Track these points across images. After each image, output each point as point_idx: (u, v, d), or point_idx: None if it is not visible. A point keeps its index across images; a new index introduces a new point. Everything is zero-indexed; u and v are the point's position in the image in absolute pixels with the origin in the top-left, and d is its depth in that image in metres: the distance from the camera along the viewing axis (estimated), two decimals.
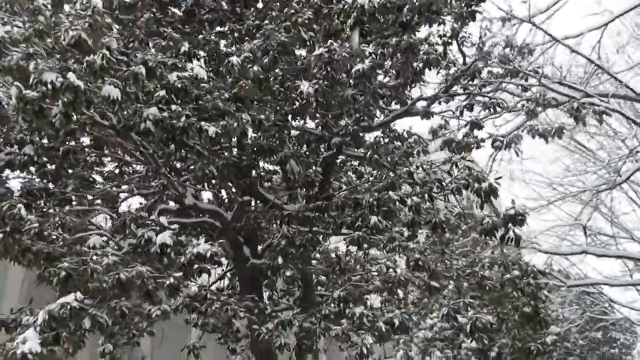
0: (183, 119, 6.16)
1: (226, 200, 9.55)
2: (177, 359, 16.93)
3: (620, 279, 11.39)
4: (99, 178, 9.19)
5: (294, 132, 7.58)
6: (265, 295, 10.89)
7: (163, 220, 6.10)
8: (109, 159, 9.41)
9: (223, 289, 11.68)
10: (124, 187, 9.24)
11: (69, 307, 5.01)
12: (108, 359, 9.47)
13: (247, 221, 8.11)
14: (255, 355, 8.90)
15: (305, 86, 5.92)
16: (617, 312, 19.43)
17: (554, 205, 14.17)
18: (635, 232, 13.82)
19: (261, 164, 11.42)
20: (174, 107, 6.40)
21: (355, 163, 11.46)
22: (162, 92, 6.35)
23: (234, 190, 8.63)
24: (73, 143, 7.57)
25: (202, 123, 6.38)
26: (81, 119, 6.33)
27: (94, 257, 5.63)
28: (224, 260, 11.15)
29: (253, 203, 9.27)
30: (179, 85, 6.04)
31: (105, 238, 6.25)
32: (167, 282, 5.39)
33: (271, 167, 11.35)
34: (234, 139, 7.36)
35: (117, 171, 9.50)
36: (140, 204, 10.11)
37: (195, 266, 5.81)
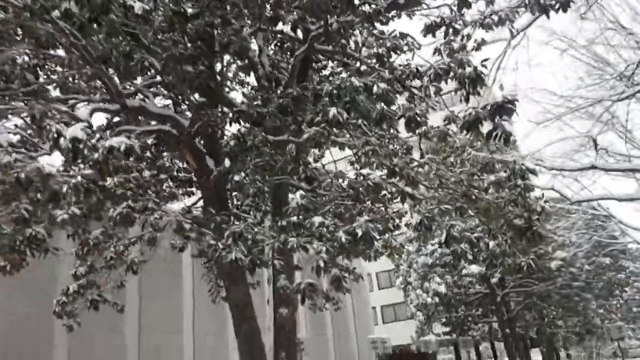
0: None
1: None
2: (166, 284, 16.68)
3: (629, 195, 10.44)
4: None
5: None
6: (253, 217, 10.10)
7: (82, 113, 5.15)
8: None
9: None
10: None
11: None
12: (84, 281, 9.00)
13: (202, 126, 7.13)
14: (220, 274, 8.21)
15: None
16: (627, 237, 18.62)
17: (564, 122, 13.04)
18: None
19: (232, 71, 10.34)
20: None
21: (345, 76, 10.34)
22: None
23: (190, 92, 7.59)
24: None
25: None
26: None
27: None
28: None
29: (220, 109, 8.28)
30: None
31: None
32: (74, 181, 4.49)
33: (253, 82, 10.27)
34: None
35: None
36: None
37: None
